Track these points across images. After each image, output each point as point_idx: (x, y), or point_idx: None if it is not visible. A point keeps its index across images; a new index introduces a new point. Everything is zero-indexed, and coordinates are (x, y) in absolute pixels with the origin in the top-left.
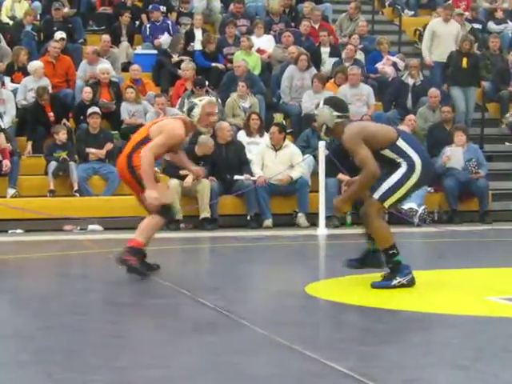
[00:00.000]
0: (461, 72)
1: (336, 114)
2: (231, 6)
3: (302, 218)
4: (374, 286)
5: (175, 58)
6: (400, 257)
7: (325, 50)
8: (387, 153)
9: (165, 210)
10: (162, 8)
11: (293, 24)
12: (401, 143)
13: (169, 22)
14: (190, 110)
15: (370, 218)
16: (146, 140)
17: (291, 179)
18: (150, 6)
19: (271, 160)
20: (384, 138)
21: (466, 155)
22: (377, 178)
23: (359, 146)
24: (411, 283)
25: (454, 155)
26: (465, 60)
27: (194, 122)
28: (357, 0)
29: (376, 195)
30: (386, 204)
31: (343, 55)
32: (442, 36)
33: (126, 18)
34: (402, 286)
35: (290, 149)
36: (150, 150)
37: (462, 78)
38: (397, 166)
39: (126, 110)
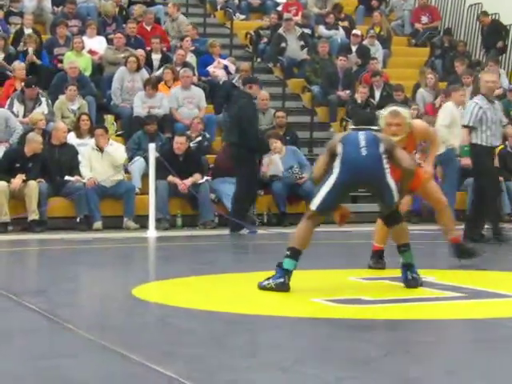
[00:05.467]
0: None
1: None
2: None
3: (129, 222)
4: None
5: None
6: (289, 262)
7: (156, 57)
8: None
9: None
10: None
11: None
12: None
13: None
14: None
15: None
16: None
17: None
18: None
19: (98, 161)
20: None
21: (285, 160)
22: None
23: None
24: (280, 289)
25: (273, 163)
26: None
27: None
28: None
29: None
30: (313, 206)
31: (174, 58)
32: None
33: None
34: (270, 288)
35: (115, 150)
36: None
37: None
38: None
39: None
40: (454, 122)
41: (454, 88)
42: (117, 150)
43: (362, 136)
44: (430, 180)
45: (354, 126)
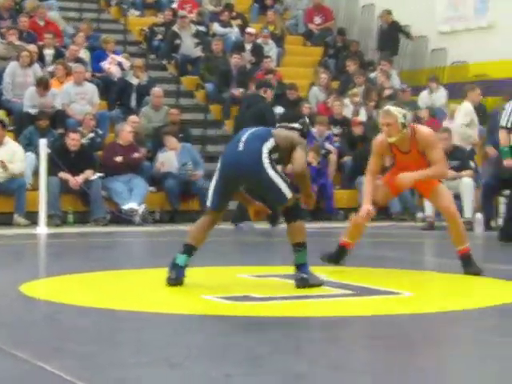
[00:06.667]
0: None
1: None
2: None
3: (19, 218)
4: None
5: None
6: (180, 257)
7: (49, 52)
8: None
9: None
10: None
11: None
12: None
13: None
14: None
15: None
16: None
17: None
18: None
19: None
20: None
21: (180, 157)
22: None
23: None
24: (168, 283)
25: (167, 160)
26: None
27: None
28: None
29: None
30: (208, 203)
31: (67, 54)
32: None
33: None
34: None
35: (11, 146)
36: None
37: None
38: None
39: None
40: (472, 122)
41: (469, 88)
42: (12, 145)
43: (248, 131)
44: (402, 185)
45: (278, 124)
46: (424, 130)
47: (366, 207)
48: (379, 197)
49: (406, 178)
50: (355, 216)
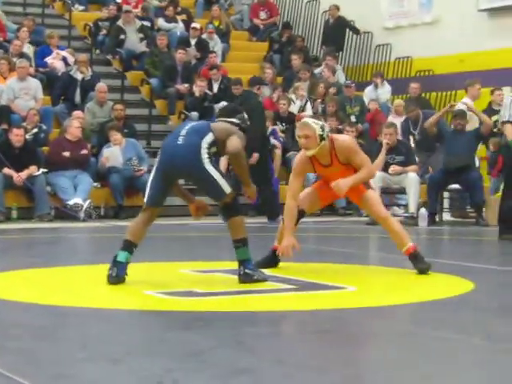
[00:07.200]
0: None
1: None
2: None
3: None
4: None
5: None
6: (121, 254)
7: None
8: None
9: None
10: None
11: None
12: None
13: None
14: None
15: None
16: None
17: None
18: None
19: None
20: None
21: (125, 152)
22: None
23: None
24: (109, 281)
25: (112, 155)
26: None
27: None
28: None
29: None
30: (145, 199)
31: (11, 49)
32: None
33: None
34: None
35: None
36: None
37: None
38: None
39: None
40: (471, 119)
41: (469, 83)
42: None
43: (188, 125)
44: (339, 192)
45: (217, 119)
46: (341, 138)
47: (289, 242)
48: (306, 205)
49: (341, 184)
50: (281, 242)
